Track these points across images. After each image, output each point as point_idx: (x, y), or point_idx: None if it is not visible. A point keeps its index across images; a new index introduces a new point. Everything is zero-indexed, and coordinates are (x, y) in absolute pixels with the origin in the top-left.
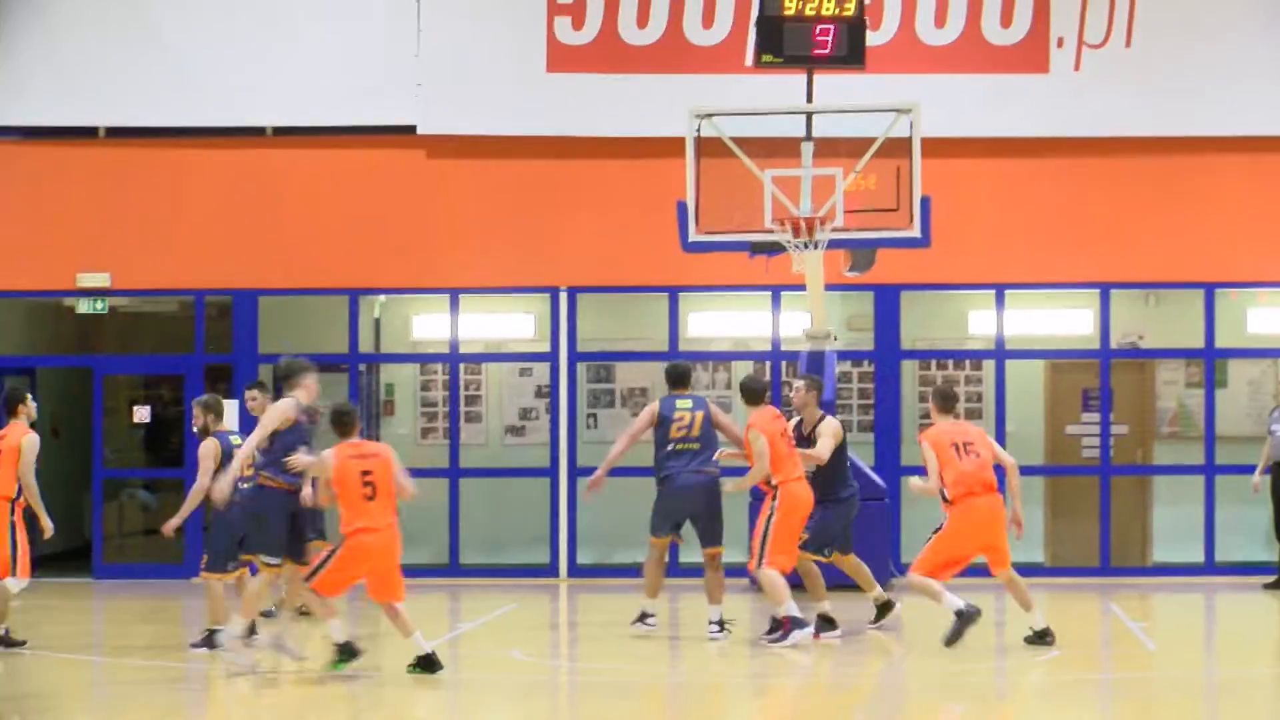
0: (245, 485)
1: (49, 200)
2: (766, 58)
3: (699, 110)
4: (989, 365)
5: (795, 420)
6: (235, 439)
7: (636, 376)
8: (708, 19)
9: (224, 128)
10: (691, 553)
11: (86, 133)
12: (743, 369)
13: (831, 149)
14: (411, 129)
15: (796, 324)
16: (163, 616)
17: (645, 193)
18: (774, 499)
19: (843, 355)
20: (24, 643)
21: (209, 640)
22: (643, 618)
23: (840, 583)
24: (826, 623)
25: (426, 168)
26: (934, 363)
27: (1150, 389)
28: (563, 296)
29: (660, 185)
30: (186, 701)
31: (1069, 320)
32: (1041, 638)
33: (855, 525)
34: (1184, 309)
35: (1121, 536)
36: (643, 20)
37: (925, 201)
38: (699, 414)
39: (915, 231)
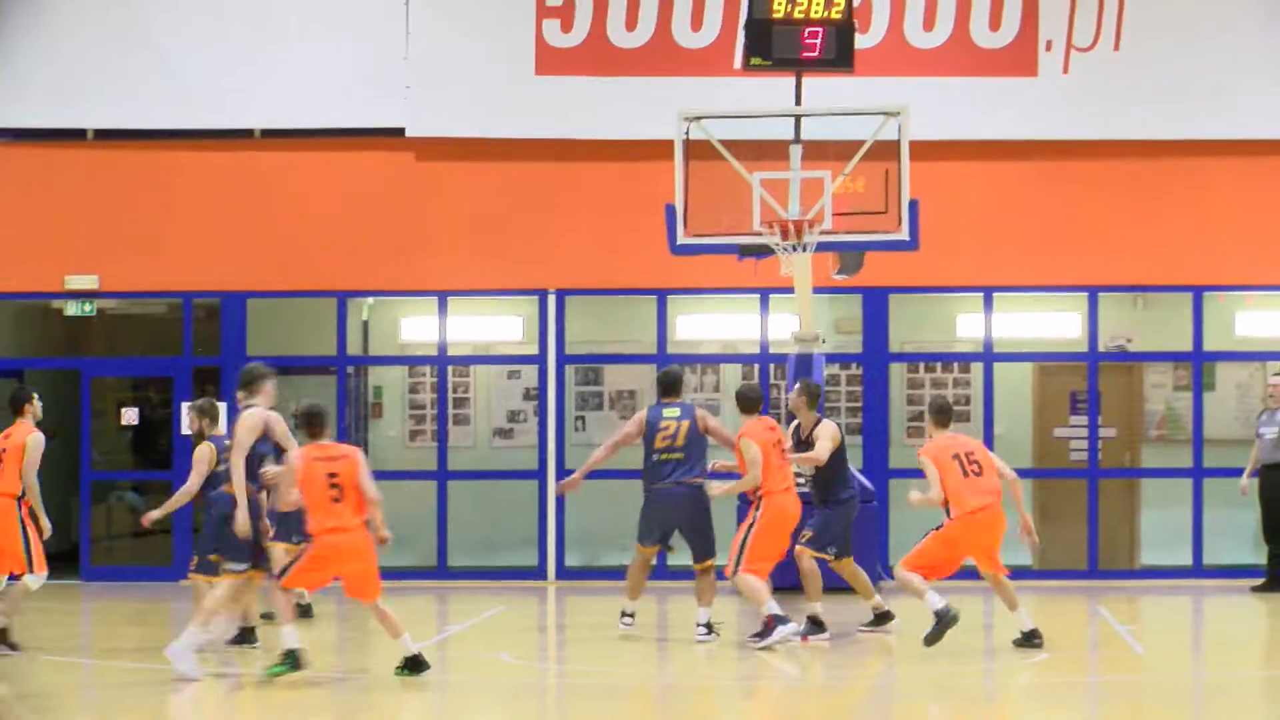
0: (213, 493)
1: (37, 202)
2: (755, 60)
3: (688, 113)
4: (977, 368)
5: (794, 424)
6: (230, 443)
7: (625, 379)
8: (696, 21)
9: (213, 130)
10: (682, 555)
11: (75, 134)
12: (731, 372)
13: (820, 152)
14: (400, 131)
15: (785, 327)
16: (151, 619)
17: (634, 195)
18: (757, 508)
19: (831, 358)
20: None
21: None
22: (622, 616)
23: (834, 585)
24: (815, 625)
25: (415, 170)
26: (922, 365)
27: (1138, 392)
28: (551, 299)
29: (649, 188)
30: (175, 704)
31: (1057, 323)
32: (1030, 640)
33: None
34: (1172, 312)
35: (1109, 539)
36: (631, 23)
37: (914, 204)
38: (684, 424)
39: (904, 234)
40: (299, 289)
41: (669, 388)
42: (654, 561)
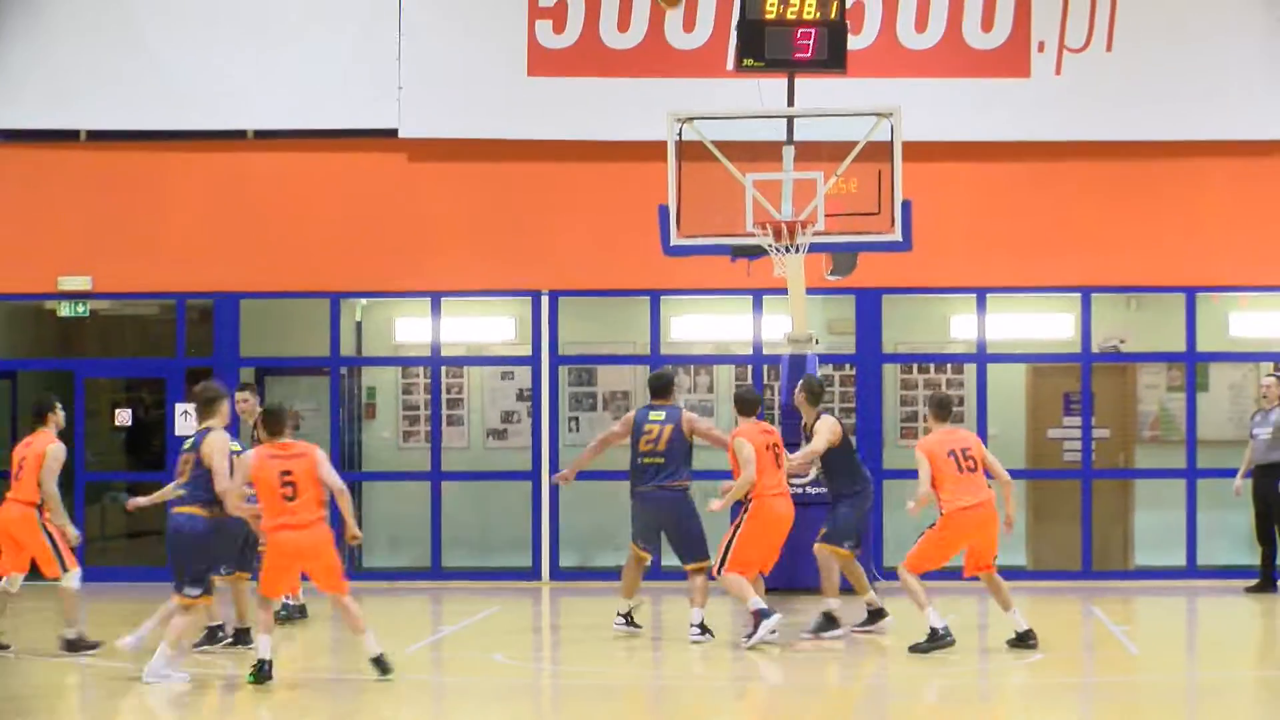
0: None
1: (31, 203)
2: (748, 61)
3: (680, 114)
4: (970, 369)
5: (802, 421)
6: (234, 445)
7: (618, 380)
8: (689, 23)
9: (207, 131)
10: (675, 556)
11: (68, 136)
12: (725, 373)
13: (813, 153)
14: (393, 132)
15: (778, 328)
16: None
17: (627, 196)
18: (746, 510)
19: (824, 359)
20: (9, 646)
21: (211, 636)
22: (625, 617)
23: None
24: (830, 621)
25: (408, 171)
26: (916, 366)
27: (1132, 393)
28: (544, 300)
29: (642, 189)
30: (168, 705)
31: (1050, 324)
32: (1024, 640)
33: None
34: (1165, 313)
35: (1103, 540)
36: (624, 24)
37: (906, 205)
38: (667, 428)
39: (896, 235)
40: (292, 290)
41: (659, 390)
42: (649, 563)
